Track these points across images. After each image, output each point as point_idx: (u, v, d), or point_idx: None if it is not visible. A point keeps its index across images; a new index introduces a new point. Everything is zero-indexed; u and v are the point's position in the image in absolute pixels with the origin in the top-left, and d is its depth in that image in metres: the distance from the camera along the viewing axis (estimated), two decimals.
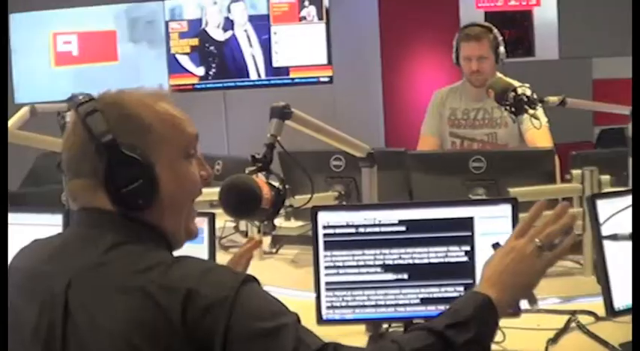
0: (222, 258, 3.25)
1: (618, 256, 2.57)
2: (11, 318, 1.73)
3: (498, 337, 2.64)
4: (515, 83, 3.74)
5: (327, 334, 1.90)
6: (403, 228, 2.57)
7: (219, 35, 7.97)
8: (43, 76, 7.82)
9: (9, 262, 1.83)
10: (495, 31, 4.70)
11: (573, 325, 2.78)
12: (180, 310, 1.53)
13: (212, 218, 2.87)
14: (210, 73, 8.01)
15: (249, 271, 2.11)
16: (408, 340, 1.69)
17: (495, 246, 1.94)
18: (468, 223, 2.58)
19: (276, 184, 2.37)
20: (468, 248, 2.58)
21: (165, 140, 1.71)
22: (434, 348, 1.68)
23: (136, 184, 1.66)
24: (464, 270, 2.58)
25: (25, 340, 1.68)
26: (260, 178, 2.34)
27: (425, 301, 2.59)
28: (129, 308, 1.56)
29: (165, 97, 1.78)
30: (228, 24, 7.96)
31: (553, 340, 2.64)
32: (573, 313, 2.84)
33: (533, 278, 1.83)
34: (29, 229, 2.71)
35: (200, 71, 8.01)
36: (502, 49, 4.64)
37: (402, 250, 2.57)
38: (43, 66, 7.93)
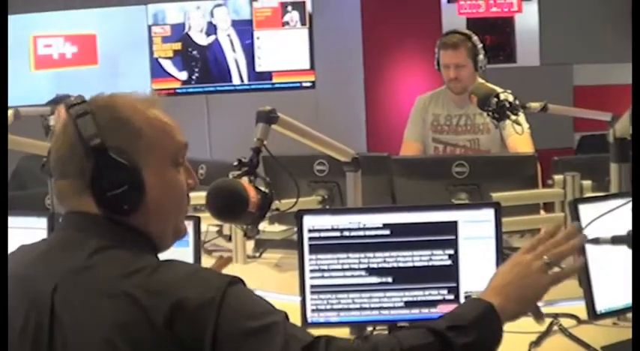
0: (206, 262, 3.26)
1: (600, 260, 2.59)
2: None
3: None
4: (498, 89, 3.76)
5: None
6: (388, 231, 2.59)
7: (202, 40, 7.96)
8: (22, 80, 7.76)
9: None
10: (475, 38, 4.71)
11: (555, 328, 2.79)
12: (166, 314, 1.53)
13: (197, 222, 2.88)
14: (193, 77, 8.00)
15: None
16: (407, 336, 1.69)
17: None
18: (451, 227, 2.60)
19: (263, 188, 2.38)
20: (451, 252, 2.60)
21: (155, 146, 1.71)
22: (432, 347, 1.68)
23: (122, 188, 1.66)
24: (448, 273, 2.60)
25: (13, 344, 1.67)
26: (247, 182, 2.34)
27: (409, 304, 2.61)
28: (113, 312, 1.55)
29: (157, 103, 1.79)
30: (211, 29, 7.95)
31: (535, 343, 2.66)
32: (555, 316, 2.86)
33: (538, 293, 1.85)
34: (14, 232, 2.71)
35: (183, 75, 8.00)
36: (481, 56, 4.66)
37: (387, 254, 2.58)
38: (22, 69, 7.88)
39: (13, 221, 2.82)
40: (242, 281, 1.68)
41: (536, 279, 1.83)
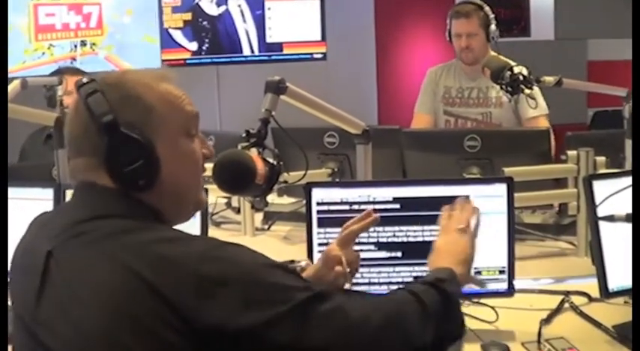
0: (214, 234, 3.25)
1: (614, 237, 2.56)
2: (12, 294, 1.77)
3: (491, 316, 2.65)
4: (512, 62, 3.72)
5: None
6: (397, 206, 2.56)
7: (213, 10, 7.90)
8: (21, 52, 7.63)
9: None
10: (487, 8, 4.69)
11: (566, 305, 2.78)
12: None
13: (205, 194, 2.85)
14: (203, 48, 7.95)
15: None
16: (423, 292, 1.81)
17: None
18: None
19: (271, 159, 2.34)
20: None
21: (167, 120, 1.72)
22: (441, 304, 1.82)
23: (137, 164, 1.66)
24: None
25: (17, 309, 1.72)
26: (254, 153, 2.31)
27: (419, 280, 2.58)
28: (110, 275, 1.54)
29: (168, 78, 1.79)
30: None
31: (546, 321, 2.64)
32: (567, 293, 2.84)
33: (467, 250, 2.09)
34: (19, 203, 2.69)
35: (193, 46, 7.95)
36: (493, 27, 4.63)
37: (396, 228, 2.56)
38: (20, 40, 7.61)
39: (18, 192, 2.81)
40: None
41: (458, 244, 2.09)
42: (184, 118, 1.76)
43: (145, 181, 1.68)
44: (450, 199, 2.54)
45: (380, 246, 2.55)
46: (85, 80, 1.72)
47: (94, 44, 7.82)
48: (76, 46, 7.78)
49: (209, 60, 8.00)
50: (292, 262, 2.27)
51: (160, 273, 1.51)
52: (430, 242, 2.54)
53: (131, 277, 1.51)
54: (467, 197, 2.23)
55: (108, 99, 1.67)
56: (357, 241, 2.23)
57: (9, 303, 1.84)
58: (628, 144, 3.14)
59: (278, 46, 7.88)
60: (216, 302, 1.51)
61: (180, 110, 1.76)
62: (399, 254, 2.57)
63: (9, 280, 1.81)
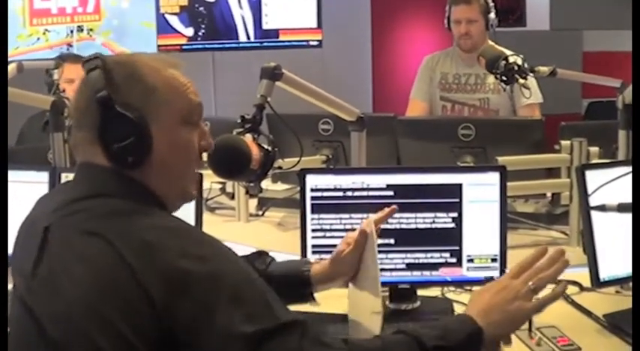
0: (208, 219, 3.25)
1: (605, 227, 2.57)
2: (13, 269, 1.80)
3: None
4: (507, 52, 3.73)
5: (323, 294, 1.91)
6: (391, 193, 2.57)
7: None
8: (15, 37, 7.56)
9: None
10: None
11: None
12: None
13: (200, 179, 2.86)
14: (199, 33, 7.94)
15: (237, 233, 2.09)
16: (394, 343, 1.72)
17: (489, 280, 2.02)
18: (456, 189, 2.58)
19: (265, 145, 2.35)
20: (455, 215, 2.59)
21: (167, 103, 1.73)
22: None
23: (128, 141, 1.68)
24: (451, 236, 2.58)
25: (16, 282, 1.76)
26: (249, 139, 2.32)
27: (411, 267, 2.60)
28: (89, 251, 1.58)
29: (176, 64, 1.81)
30: None
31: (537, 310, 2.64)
32: (558, 282, 2.84)
33: (520, 320, 1.92)
34: (15, 186, 2.70)
35: (189, 32, 7.93)
36: (492, 14, 4.65)
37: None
38: (15, 25, 7.54)
39: (14, 175, 2.81)
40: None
41: (520, 306, 1.89)
42: (186, 106, 1.77)
43: (134, 159, 1.70)
44: (443, 187, 2.57)
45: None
46: (90, 56, 1.76)
47: (91, 30, 7.80)
48: (72, 32, 7.76)
49: (205, 46, 7.99)
50: (307, 262, 2.27)
51: (142, 259, 1.53)
52: (423, 230, 2.57)
53: (117, 259, 1.54)
54: (563, 249, 2.04)
55: (111, 76, 1.70)
56: (349, 227, 2.24)
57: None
58: (621, 134, 3.15)
59: (274, 33, 7.87)
60: (186, 299, 1.52)
61: (183, 97, 1.77)
62: (391, 241, 2.58)
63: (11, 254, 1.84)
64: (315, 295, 2.22)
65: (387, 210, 2.24)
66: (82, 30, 7.76)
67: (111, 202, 1.67)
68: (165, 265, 1.53)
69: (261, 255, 2.24)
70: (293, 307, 1.86)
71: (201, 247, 1.60)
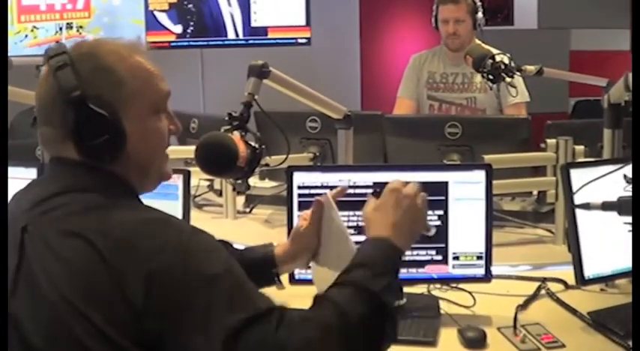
0: (196, 216, 3.26)
1: (590, 225, 2.59)
2: None
3: (469, 301, 2.68)
4: (494, 51, 3.74)
5: (299, 293, 1.92)
6: (378, 190, 2.57)
7: None
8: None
9: None
10: None
11: (543, 292, 2.81)
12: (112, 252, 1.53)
13: (187, 176, 2.87)
14: (188, 31, 7.91)
15: (224, 230, 2.09)
16: (345, 301, 1.67)
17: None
18: (442, 187, 2.60)
19: (253, 143, 2.36)
20: (441, 212, 2.60)
21: (137, 96, 1.72)
22: (370, 306, 1.69)
23: (102, 138, 1.67)
24: (437, 234, 2.59)
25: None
26: (236, 136, 2.32)
27: None
28: (71, 252, 1.56)
29: (140, 49, 1.79)
30: None
31: (522, 307, 2.67)
32: (543, 280, 2.87)
33: (421, 217, 1.99)
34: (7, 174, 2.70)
35: (178, 29, 7.92)
36: (480, 14, 4.66)
37: None
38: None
39: None
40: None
41: (415, 204, 1.96)
42: (155, 96, 1.77)
43: (110, 155, 1.69)
44: (429, 185, 2.58)
45: (359, 230, 2.55)
46: (54, 50, 1.72)
47: (80, 27, 7.76)
48: (61, 29, 7.72)
49: (193, 43, 7.97)
50: (270, 245, 2.28)
51: (122, 257, 1.53)
52: None
53: (97, 260, 1.53)
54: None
55: (78, 70, 1.68)
56: None
57: None
58: (606, 133, 3.17)
59: (263, 31, 7.86)
60: (166, 294, 1.52)
61: (152, 88, 1.76)
62: None
63: None
64: (282, 278, 2.22)
65: (339, 188, 2.24)
66: (71, 27, 7.73)
67: (88, 197, 1.65)
68: (144, 262, 1.52)
69: (225, 245, 2.20)
70: None
71: (180, 237, 1.58)
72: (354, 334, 1.63)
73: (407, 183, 2.01)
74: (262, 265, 2.18)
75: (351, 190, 2.56)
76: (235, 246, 2.24)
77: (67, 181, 1.70)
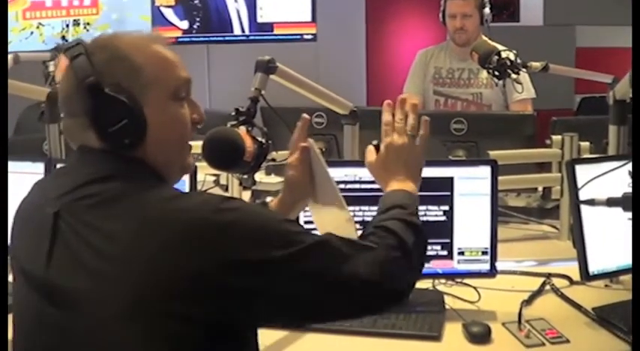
0: None
1: (595, 221, 2.60)
2: (16, 259, 1.79)
3: (473, 296, 2.69)
4: (500, 47, 3.75)
5: None
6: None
7: None
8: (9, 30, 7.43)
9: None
10: None
11: (548, 287, 2.82)
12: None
13: (194, 171, 2.88)
14: (194, 26, 7.92)
15: None
16: (404, 231, 1.84)
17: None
18: (447, 183, 2.61)
19: (259, 138, 2.37)
20: (446, 208, 2.61)
21: (156, 82, 1.73)
22: (417, 235, 1.85)
23: (122, 123, 1.68)
24: (442, 229, 2.61)
25: (21, 269, 1.75)
26: (243, 131, 2.33)
27: None
28: (114, 228, 1.58)
29: (159, 39, 1.81)
30: None
31: (527, 302, 2.67)
32: (548, 276, 2.88)
33: (422, 159, 2.08)
34: (10, 176, 2.71)
35: (184, 24, 7.92)
36: (487, 9, 4.66)
37: None
38: (9, 18, 7.27)
39: (10, 166, 2.82)
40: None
41: (414, 151, 2.06)
42: (174, 82, 1.77)
43: (130, 141, 1.70)
44: (434, 181, 2.59)
45: (365, 225, 2.57)
46: (71, 43, 1.75)
47: (87, 24, 7.77)
48: (68, 26, 7.72)
49: (200, 38, 7.98)
50: (264, 203, 2.30)
51: (174, 227, 1.55)
52: None
53: (146, 231, 1.56)
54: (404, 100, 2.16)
55: (95, 61, 1.69)
56: None
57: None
58: (612, 130, 3.17)
59: (269, 26, 7.86)
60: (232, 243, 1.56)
61: (171, 73, 1.77)
62: None
63: (9, 244, 1.84)
64: None
65: (303, 119, 2.26)
66: (78, 24, 7.74)
67: (117, 185, 1.66)
68: (201, 221, 1.56)
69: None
70: None
71: (225, 202, 1.63)
72: (414, 256, 1.80)
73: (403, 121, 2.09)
74: None
75: (357, 186, 2.58)
76: None
77: (95, 169, 1.70)
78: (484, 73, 4.58)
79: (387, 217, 1.89)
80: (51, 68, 4.21)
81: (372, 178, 2.57)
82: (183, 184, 2.86)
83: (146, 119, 1.71)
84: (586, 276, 2.62)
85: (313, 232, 1.73)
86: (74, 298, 1.59)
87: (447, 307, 2.66)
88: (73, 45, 1.74)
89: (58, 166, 2.95)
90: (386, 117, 2.12)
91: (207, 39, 7.99)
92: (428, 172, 2.57)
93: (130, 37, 1.77)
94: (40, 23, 7.63)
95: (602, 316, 2.53)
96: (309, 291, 1.63)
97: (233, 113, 2.47)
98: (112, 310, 1.54)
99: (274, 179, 4.09)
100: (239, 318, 1.60)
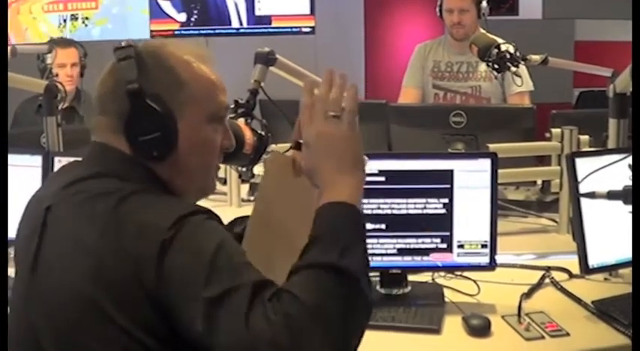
0: (201, 204, 3.25)
1: (595, 214, 2.60)
2: (16, 250, 1.80)
3: (473, 289, 2.68)
4: (499, 40, 3.74)
5: None
6: (383, 178, 2.58)
7: None
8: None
9: None
10: None
11: (547, 281, 2.82)
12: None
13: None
14: (192, 19, 7.89)
15: (228, 218, 2.07)
16: (308, 289, 1.47)
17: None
18: (447, 175, 2.60)
19: (259, 130, 2.36)
20: (446, 201, 2.61)
21: (195, 101, 1.72)
22: (342, 283, 1.49)
23: (154, 135, 1.67)
24: (441, 222, 2.60)
25: (20, 261, 1.75)
26: (242, 123, 2.33)
27: (402, 252, 2.62)
28: (92, 235, 1.56)
29: (208, 59, 1.80)
30: None
31: (527, 295, 2.67)
32: (547, 269, 2.88)
33: (354, 146, 1.66)
34: (8, 169, 2.71)
35: (182, 17, 7.89)
36: (484, 3, 4.66)
37: (381, 201, 2.59)
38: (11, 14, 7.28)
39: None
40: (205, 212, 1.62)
41: (339, 135, 1.65)
42: (214, 105, 1.77)
43: (159, 153, 1.69)
44: (434, 173, 2.59)
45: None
46: (123, 44, 1.73)
47: (86, 18, 7.74)
48: (65, 21, 7.69)
49: (197, 31, 7.95)
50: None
51: (138, 239, 1.52)
52: (414, 215, 2.59)
53: (112, 241, 1.53)
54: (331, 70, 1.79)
55: (141, 66, 1.69)
56: None
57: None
58: (611, 123, 3.17)
59: (267, 19, 7.84)
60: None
61: (213, 95, 1.76)
62: (383, 226, 2.60)
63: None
64: None
65: None
66: (76, 18, 7.71)
67: (111, 182, 1.65)
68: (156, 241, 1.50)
69: (244, 219, 2.14)
70: None
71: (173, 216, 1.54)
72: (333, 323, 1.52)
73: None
74: None
75: None
76: None
77: (100, 166, 1.70)
78: (483, 67, 4.58)
79: (304, 264, 1.51)
80: (48, 61, 4.20)
81: (371, 171, 2.58)
82: None
83: (178, 135, 1.70)
84: (586, 269, 2.62)
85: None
86: (42, 299, 1.61)
87: (446, 300, 2.66)
88: (125, 46, 1.72)
89: (56, 159, 2.95)
90: (305, 99, 1.73)
91: (205, 32, 7.96)
92: (427, 164, 2.59)
93: (181, 50, 1.76)
94: (34, 18, 7.61)
95: (602, 310, 2.52)
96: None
97: (232, 105, 2.47)
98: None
99: None
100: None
